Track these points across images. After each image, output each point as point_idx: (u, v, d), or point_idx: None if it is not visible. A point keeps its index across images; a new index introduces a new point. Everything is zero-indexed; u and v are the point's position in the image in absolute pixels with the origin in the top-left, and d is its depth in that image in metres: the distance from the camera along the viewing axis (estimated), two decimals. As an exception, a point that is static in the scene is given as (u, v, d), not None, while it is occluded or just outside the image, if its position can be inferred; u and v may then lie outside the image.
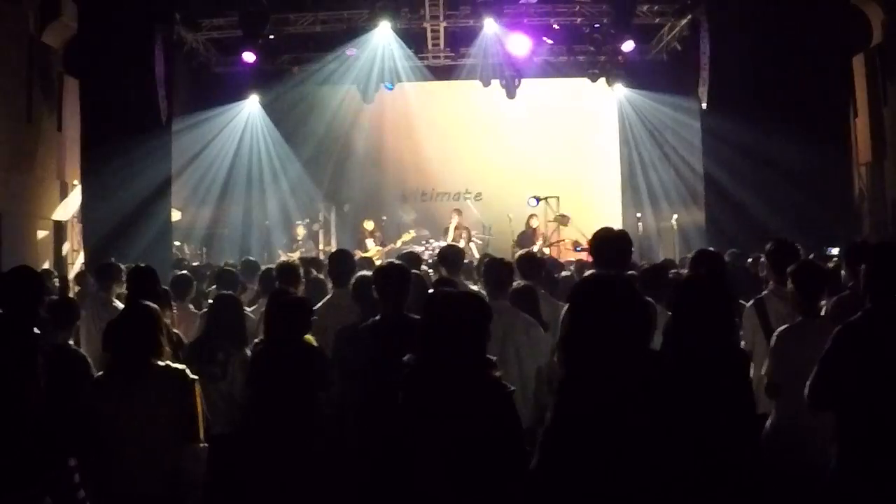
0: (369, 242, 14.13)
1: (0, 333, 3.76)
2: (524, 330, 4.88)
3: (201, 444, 3.94)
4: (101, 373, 4.16)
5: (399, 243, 14.26)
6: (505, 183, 16.12)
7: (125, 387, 3.82)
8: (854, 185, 13.30)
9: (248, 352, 5.06)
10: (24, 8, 12.66)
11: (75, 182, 13.58)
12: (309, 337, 4.70)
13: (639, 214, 15.35)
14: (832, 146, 11.84)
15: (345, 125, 16.56)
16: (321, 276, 6.96)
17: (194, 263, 12.07)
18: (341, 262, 6.09)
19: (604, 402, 2.69)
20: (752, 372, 3.98)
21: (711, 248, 6.84)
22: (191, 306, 7.00)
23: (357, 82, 15.68)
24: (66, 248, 14.21)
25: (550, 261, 9.66)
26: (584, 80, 16.11)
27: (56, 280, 8.88)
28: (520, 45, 14.34)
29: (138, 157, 11.66)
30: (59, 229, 14.01)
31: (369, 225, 14.54)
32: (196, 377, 3.98)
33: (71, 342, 5.08)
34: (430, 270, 7.49)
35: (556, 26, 14.87)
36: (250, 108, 16.17)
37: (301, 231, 14.70)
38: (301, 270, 6.85)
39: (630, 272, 5.19)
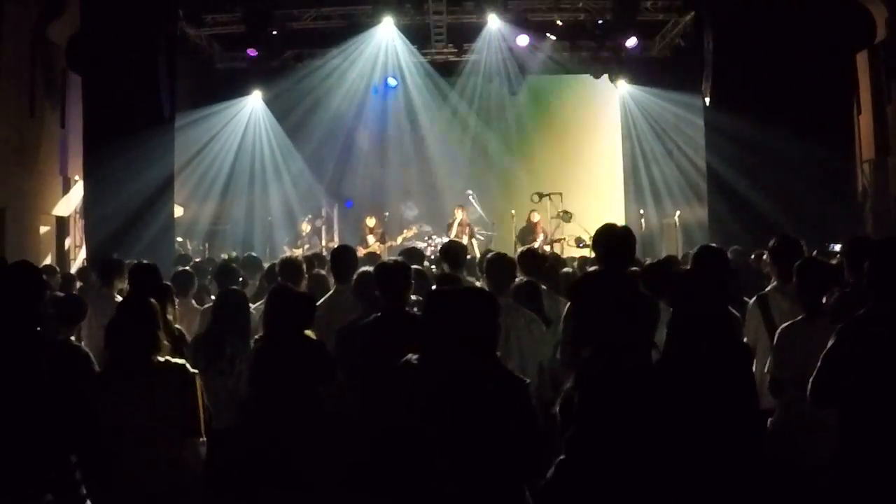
0: (370, 239, 14.12)
1: (0, 329, 3.76)
2: (526, 326, 4.87)
3: (202, 438, 3.94)
4: (101, 370, 4.16)
5: (401, 239, 14.27)
6: (508, 179, 16.11)
7: (126, 383, 3.82)
8: (857, 182, 13.30)
9: (252, 347, 5.04)
10: (28, 4, 12.67)
11: (78, 178, 13.60)
12: (309, 332, 4.70)
13: (642, 211, 15.36)
14: (835, 143, 11.86)
15: (347, 121, 16.56)
16: (323, 272, 6.94)
17: (196, 259, 12.06)
18: (343, 258, 6.07)
19: (612, 399, 2.68)
20: (754, 367, 3.97)
21: (714, 245, 6.82)
22: (193, 302, 6.99)
23: (360, 78, 15.67)
24: (68, 243, 14.24)
25: (552, 257, 9.64)
26: (588, 77, 16.11)
27: (59, 277, 8.86)
28: (523, 41, 14.35)
29: (141, 152, 11.65)
30: (62, 225, 14.03)
31: (371, 221, 14.53)
32: (196, 371, 3.98)
33: (73, 338, 5.08)
34: (433, 266, 7.47)
35: (559, 22, 14.85)
36: (253, 103, 16.19)
37: (306, 227, 14.70)
38: (304, 266, 6.83)
39: (633, 269, 5.17)
